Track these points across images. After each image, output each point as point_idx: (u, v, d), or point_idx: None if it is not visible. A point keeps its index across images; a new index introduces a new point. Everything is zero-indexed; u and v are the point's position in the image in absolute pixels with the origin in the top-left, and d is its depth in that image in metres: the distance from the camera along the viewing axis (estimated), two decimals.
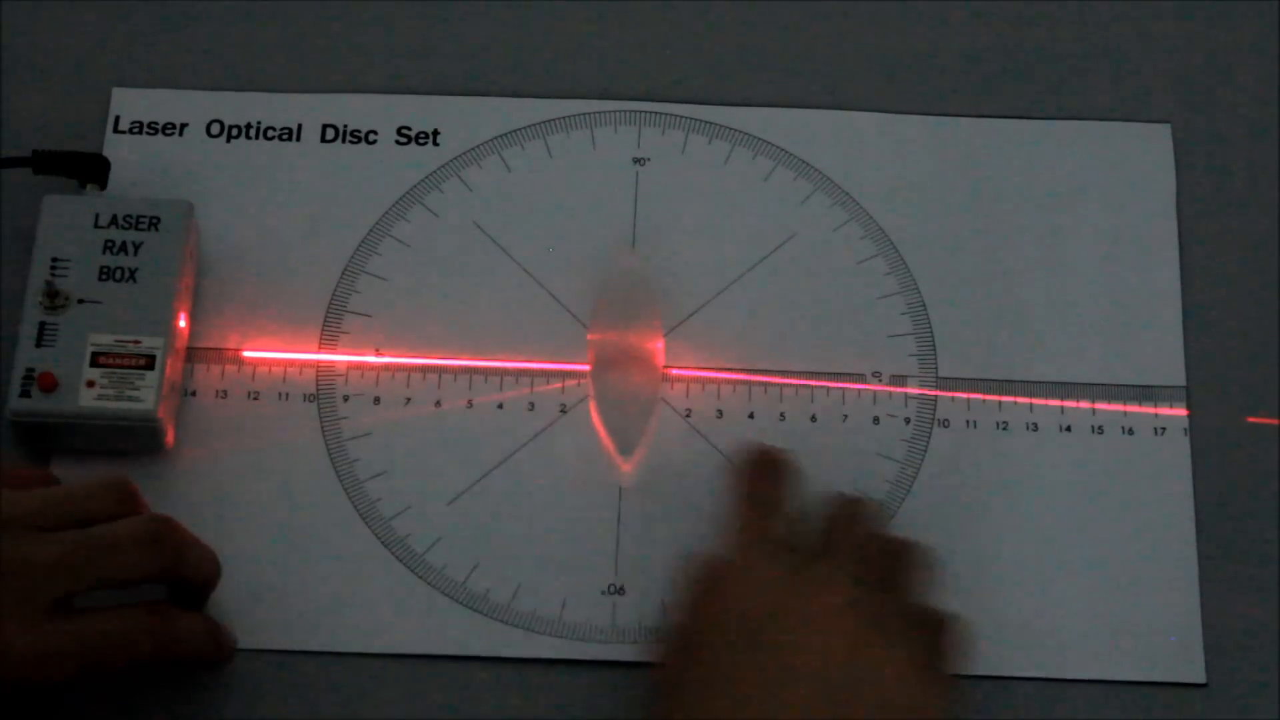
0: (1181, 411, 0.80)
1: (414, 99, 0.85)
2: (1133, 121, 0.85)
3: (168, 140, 0.84)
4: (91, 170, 0.81)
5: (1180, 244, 0.83)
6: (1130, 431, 0.80)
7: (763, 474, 0.74)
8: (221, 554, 0.75)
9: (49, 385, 0.76)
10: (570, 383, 0.80)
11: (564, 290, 0.82)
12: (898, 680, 0.68)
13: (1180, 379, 0.81)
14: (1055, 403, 0.80)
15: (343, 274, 0.82)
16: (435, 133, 0.85)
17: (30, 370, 0.76)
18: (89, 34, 0.86)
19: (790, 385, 0.81)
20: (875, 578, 0.70)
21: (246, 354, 0.80)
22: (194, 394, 0.80)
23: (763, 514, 0.73)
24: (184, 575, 0.72)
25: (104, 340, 0.77)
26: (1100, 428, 0.80)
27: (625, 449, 0.79)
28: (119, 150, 0.83)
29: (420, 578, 0.77)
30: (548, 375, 0.80)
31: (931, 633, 0.70)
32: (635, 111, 0.85)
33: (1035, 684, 0.76)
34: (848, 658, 0.68)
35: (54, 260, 0.78)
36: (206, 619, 0.73)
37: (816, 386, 0.81)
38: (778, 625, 0.68)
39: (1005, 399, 0.80)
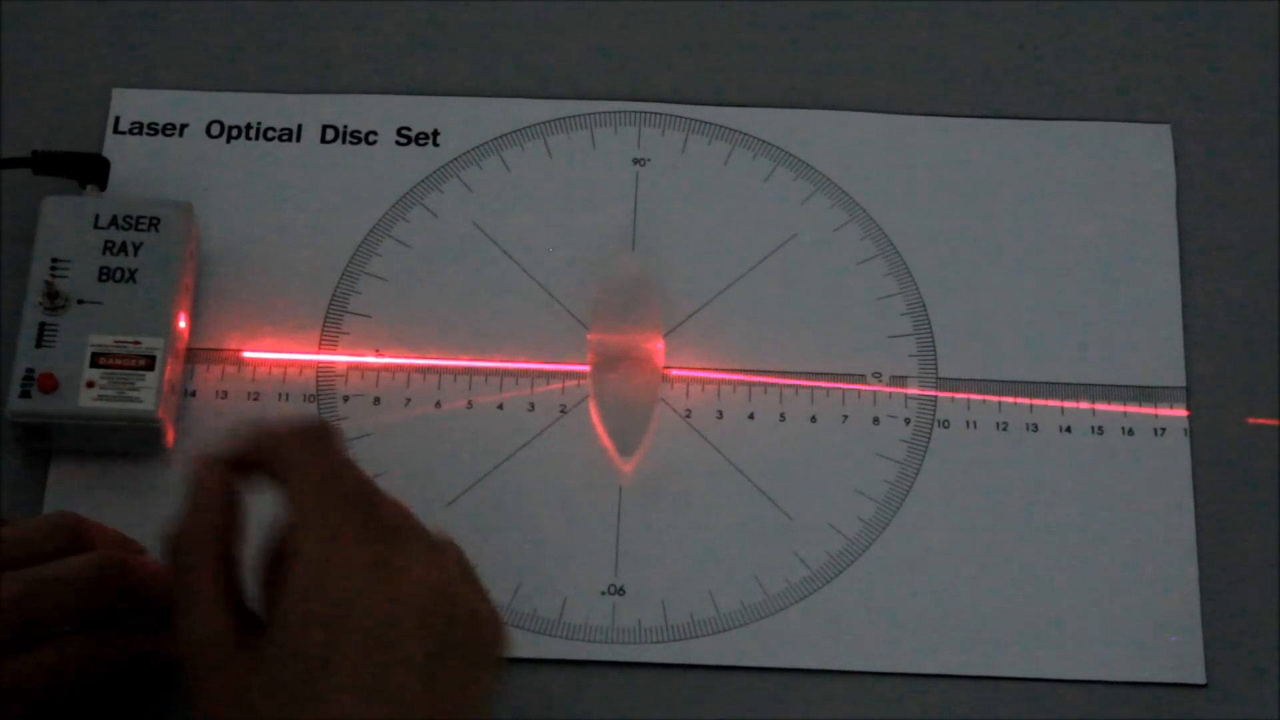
0: (1181, 412, 0.80)
1: (414, 99, 0.85)
2: (1133, 121, 0.85)
3: (168, 140, 0.84)
4: (91, 170, 0.81)
5: (1180, 244, 0.83)
6: (1130, 432, 0.80)
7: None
8: None
9: (49, 386, 0.76)
10: (570, 383, 0.80)
11: (564, 290, 0.82)
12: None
13: (1180, 379, 0.81)
14: (1055, 403, 0.80)
15: (343, 274, 0.82)
16: (435, 133, 0.85)
17: (30, 371, 0.76)
18: (89, 34, 0.86)
19: (790, 385, 0.81)
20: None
21: (246, 354, 0.80)
22: (194, 394, 0.80)
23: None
24: (142, 605, 0.71)
25: (104, 341, 0.77)
26: (1100, 428, 0.80)
27: (625, 449, 0.79)
28: (119, 150, 0.83)
29: None
30: (548, 375, 0.80)
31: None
32: (635, 112, 0.85)
33: (1035, 684, 0.76)
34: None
35: (54, 261, 0.78)
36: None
37: (816, 386, 0.81)
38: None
39: (1005, 399, 0.80)
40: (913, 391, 0.81)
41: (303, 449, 0.67)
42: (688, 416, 0.80)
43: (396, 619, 0.65)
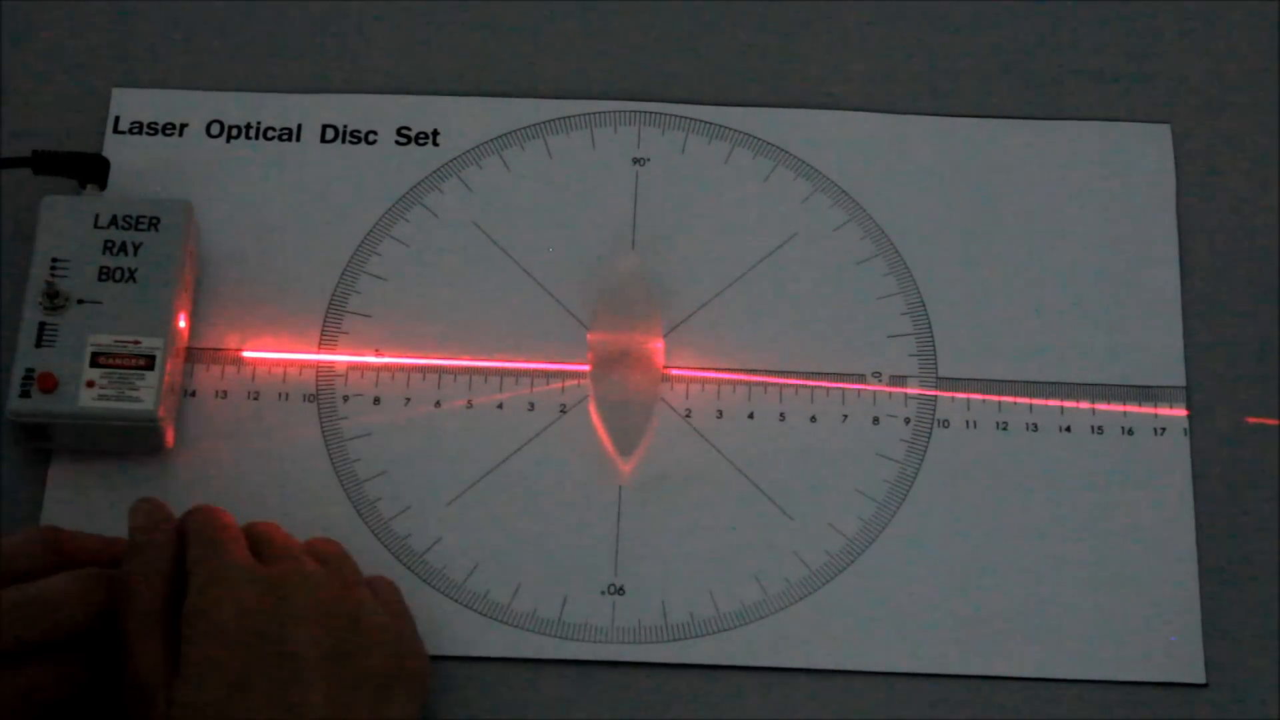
0: (1181, 411, 0.80)
1: (414, 99, 0.85)
2: (1133, 121, 0.85)
3: (168, 140, 0.84)
4: (91, 170, 0.81)
5: (1180, 244, 0.83)
6: (1130, 431, 0.80)
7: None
8: None
9: (49, 385, 0.76)
10: (570, 383, 0.80)
11: (564, 290, 0.82)
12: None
13: (1180, 379, 0.81)
14: (1055, 403, 0.80)
15: (343, 274, 0.82)
16: (435, 133, 0.85)
17: (30, 370, 0.76)
18: (89, 34, 0.86)
19: (790, 385, 0.81)
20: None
21: (246, 354, 0.80)
22: (194, 394, 0.80)
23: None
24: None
25: (104, 340, 0.77)
26: (1100, 428, 0.80)
27: (625, 449, 0.79)
28: (119, 150, 0.83)
29: (420, 578, 0.77)
30: (548, 375, 0.80)
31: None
32: (635, 111, 0.85)
33: (1035, 684, 0.76)
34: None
35: (54, 260, 0.78)
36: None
37: (816, 386, 0.81)
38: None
39: (1005, 399, 0.80)
40: (912, 391, 0.81)
41: (205, 509, 0.73)
42: (688, 416, 0.80)
43: (290, 633, 0.68)
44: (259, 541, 0.73)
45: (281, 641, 0.68)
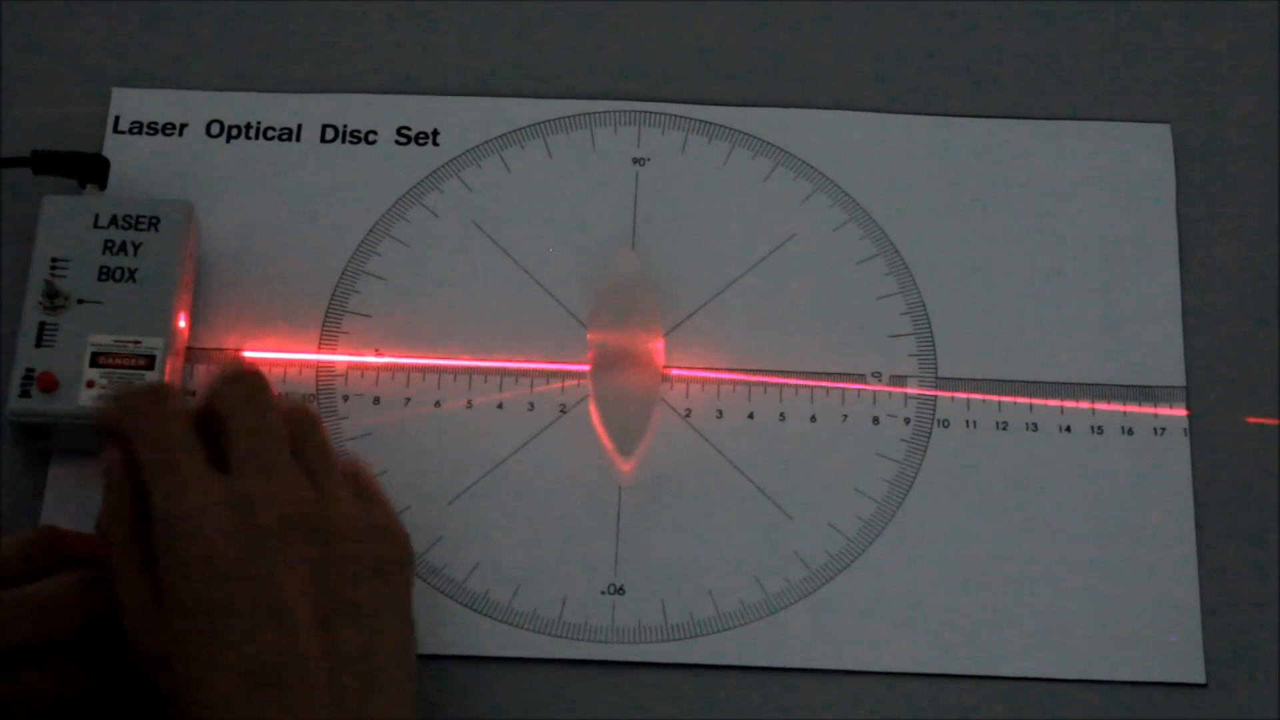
0: (1181, 411, 0.80)
1: (414, 99, 0.85)
2: (1133, 121, 0.85)
3: (168, 140, 0.84)
4: (91, 170, 0.81)
5: (1180, 244, 0.83)
6: (1130, 431, 0.80)
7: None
8: None
9: (49, 385, 0.76)
10: (570, 383, 0.80)
11: (564, 290, 0.82)
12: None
13: (1180, 379, 0.81)
14: (1055, 403, 0.80)
15: (343, 274, 0.82)
16: (435, 133, 0.85)
17: (30, 370, 0.76)
18: (89, 34, 0.86)
19: (790, 385, 0.81)
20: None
21: (246, 354, 0.80)
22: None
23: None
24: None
25: (104, 340, 0.77)
26: (1100, 428, 0.80)
27: (625, 449, 0.79)
28: (119, 150, 0.83)
29: (420, 578, 0.77)
30: (548, 375, 0.80)
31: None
32: (635, 111, 0.85)
33: (1035, 684, 0.76)
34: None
35: (54, 260, 0.78)
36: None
37: (816, 386, 0.81)
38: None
39: (1005, 399, 0.80)
40: (913, 391, 0.81)
41: (144, 405, 0.69)
42: (688, 416, 0.80)
43: (263, 554, 0.66)
44: (226, 433, 0.69)
45: (255, 565, 0.66)
